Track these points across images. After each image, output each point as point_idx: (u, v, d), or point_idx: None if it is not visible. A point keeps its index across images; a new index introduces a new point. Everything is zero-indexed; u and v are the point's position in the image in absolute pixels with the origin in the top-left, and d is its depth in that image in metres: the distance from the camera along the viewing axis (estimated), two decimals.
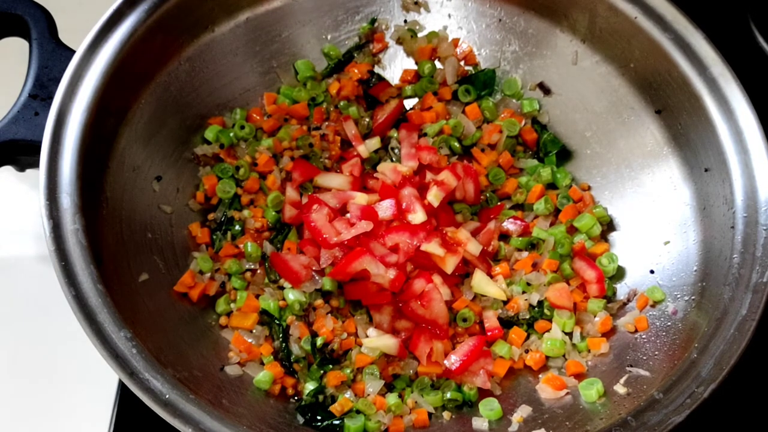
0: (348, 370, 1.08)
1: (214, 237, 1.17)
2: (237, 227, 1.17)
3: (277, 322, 1.10)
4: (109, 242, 1.03)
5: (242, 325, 1.10)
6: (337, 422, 1.04)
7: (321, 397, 1.06)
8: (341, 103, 1.26)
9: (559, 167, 1.26)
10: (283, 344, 1.09)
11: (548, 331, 1.12)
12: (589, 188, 1.24)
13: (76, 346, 0.96)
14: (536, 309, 1.14)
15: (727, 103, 1.10)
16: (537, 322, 1.13)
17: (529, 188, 1.23)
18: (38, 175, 0.99)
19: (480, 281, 1.14)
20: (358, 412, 1.05)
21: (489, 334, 1.12)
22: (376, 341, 1.09)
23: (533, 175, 1.25)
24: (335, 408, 1.04)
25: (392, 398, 1.06)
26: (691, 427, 0.93)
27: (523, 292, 1.15)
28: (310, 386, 1.06)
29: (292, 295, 1.10)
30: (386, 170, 1.20)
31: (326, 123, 1.25)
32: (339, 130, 1.25)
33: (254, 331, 1.10)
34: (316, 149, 1.22)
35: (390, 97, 1.29)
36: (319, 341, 1.08)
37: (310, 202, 1.15)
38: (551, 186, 1.25)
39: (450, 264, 1.12)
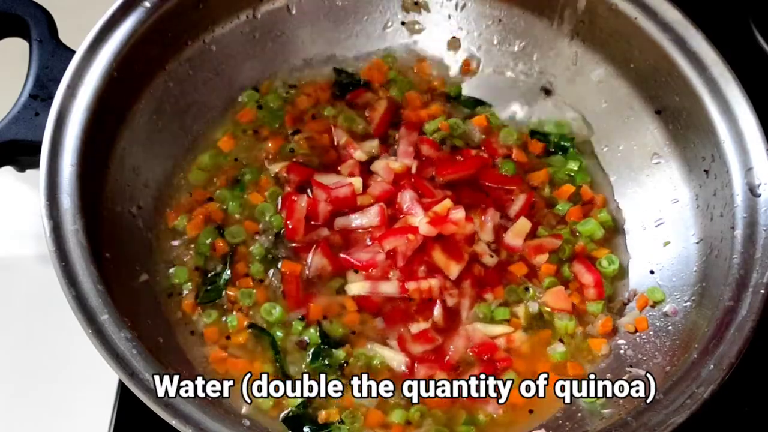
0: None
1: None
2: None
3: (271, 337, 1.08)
4: (109, 242, 1.03)
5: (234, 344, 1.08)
6: None
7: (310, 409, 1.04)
8: (326, 110, 1.25)
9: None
10: (277, 355, 1.07)
11: (551, 344, 1.11)
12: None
13: (76, 347, 0.96)
14: (536, 321, 1.13)
15: (727, 103, 1.10)
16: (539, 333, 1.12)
17: (556, 182, 1.23)
18: (38, 175, 0.99)
19: (479, 326, 1.11)
20: (341, 422, 1.02)
21: (498, 365, 1.09)
22: (380, 349, 1.08)
23: (560, 168, 1.24)
24: (321, 416, 1.02)
25: (397, 415, 1.03)
26: (691, 428, 0.93)
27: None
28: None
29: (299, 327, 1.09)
30: (379, 169, 1.20)
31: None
32: (321, 129, 1.24)
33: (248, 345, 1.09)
34: (304, 149, 1.21)
35: (368, 102, 1.27)
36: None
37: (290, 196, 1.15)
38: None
39: (454, 270, 1.12)
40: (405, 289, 1.10)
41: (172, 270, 1.11)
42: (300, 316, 1.09)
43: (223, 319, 1.09)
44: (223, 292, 1.10)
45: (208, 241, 1.13)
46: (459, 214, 1.13)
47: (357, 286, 1.11)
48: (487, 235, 1.15)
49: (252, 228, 1.15)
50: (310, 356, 1.06)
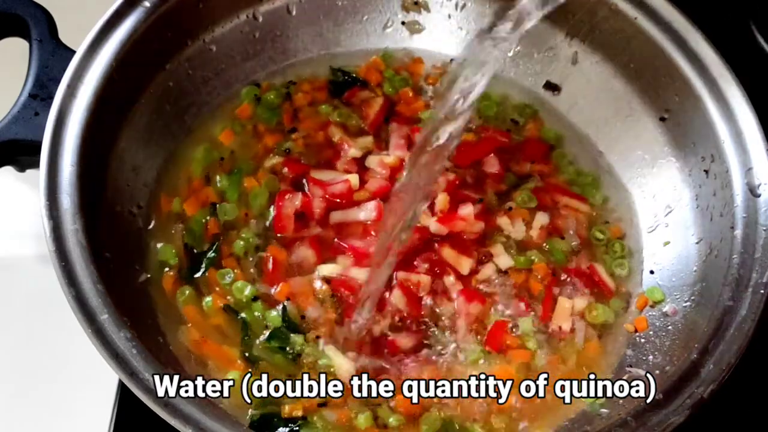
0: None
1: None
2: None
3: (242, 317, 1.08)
4: (109, 242, 1.03)
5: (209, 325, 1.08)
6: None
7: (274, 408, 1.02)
8: (321, 108, 1.25)
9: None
10: (246, 338, 1.07)
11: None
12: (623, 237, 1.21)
13: (76, 347, 0.96)
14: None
15: (727, 103, 1.10)
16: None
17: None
18: (38, 175, 0.99)
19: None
20: (303, 418, 1.01)
21: None
22: (332, 353, 1.05)
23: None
24: (284, 411, 1.01)
25: (364, 419, 1.01)
26: (691, 427, 0.93)
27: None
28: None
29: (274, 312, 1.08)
30: (374, 164, 1.20)
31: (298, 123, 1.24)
32: (316, 127, 1.24)
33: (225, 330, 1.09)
34: (300, 148, 1.21)
35: (364, 100, 1.27)
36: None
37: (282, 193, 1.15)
38: None
39: (465, 265, 1.12)
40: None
41: (159, 246, 1.11)
42: (254, 296, 1.08)
43: (203, 302, 1.09)
44: (205, 271, 1.11)
45: (203, 220, 1.14)
46: (467, 210, 1.14)
47: (328, 268, 1.11)
48: (518, 233, 1.16)
49: (246, 215, 1.15)
50: (266, 335, 1.06)
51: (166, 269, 1.10)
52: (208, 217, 1.14)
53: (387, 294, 1.09)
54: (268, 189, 1.17)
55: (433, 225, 1.14)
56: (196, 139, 1.21)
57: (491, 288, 1.13)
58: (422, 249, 1.14)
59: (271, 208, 1.16)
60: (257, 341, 1.06)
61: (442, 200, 1.16)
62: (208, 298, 1.09)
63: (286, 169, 1.19)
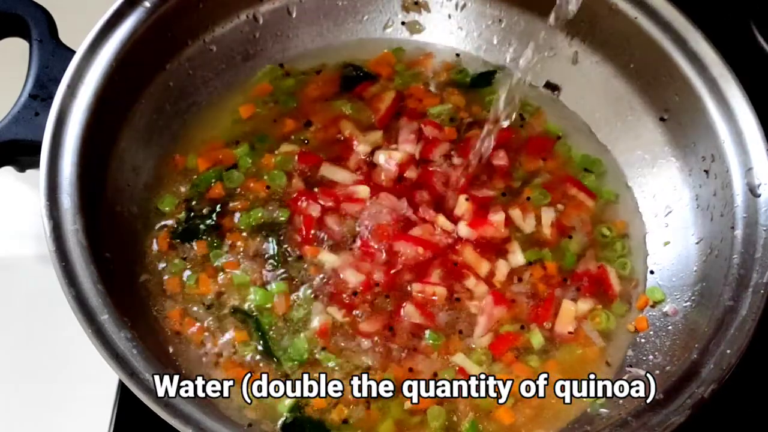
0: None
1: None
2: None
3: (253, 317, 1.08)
4: (109, 242, 1.03)
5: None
6: None
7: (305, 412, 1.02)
8: (335, 102, 1.25)
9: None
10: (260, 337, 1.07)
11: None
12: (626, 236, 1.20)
13: (76, 347, 0.96)
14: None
15: (727, 103, 1.10)
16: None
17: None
18: (38, 175, 0.99)
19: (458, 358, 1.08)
20: (345, 421, 1.01)
21: None
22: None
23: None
24: (333, 419, 1.01)
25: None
26: (691, 427, 0.93)
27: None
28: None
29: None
30: (382, 160, 1.20)
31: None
32: (328, 122, 1.24)
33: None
34: (316, 142, 1.21)
35: (375, 94, 1.27)
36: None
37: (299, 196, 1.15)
38: None
39: (485, 268, 1.12)
40: (367, 286, 1.09)
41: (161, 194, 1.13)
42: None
43: (184, 274, 1.09)
44: (199, 238, 1.11)
45: (212, 178, 1.15)
46: (498, 217, 1.14)
47: (331, 258, 1.11)
48: (529, 227, 1.16)
49: (256, 188, 1.16)
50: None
51: (159, 225, 1.11)
52: (214, 181, 1.15)
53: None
54: (281, 169, 1.17)
55: (462, 229, 1.13)
56: (196, 140, 1.21)
57: (508, 291, 1.12)
58: (436, 256, 1.13)
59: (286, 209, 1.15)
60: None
61: (462, 205, 1.15)
62: (191, 275, 1.09)
63: (296, 159, 1.19)
